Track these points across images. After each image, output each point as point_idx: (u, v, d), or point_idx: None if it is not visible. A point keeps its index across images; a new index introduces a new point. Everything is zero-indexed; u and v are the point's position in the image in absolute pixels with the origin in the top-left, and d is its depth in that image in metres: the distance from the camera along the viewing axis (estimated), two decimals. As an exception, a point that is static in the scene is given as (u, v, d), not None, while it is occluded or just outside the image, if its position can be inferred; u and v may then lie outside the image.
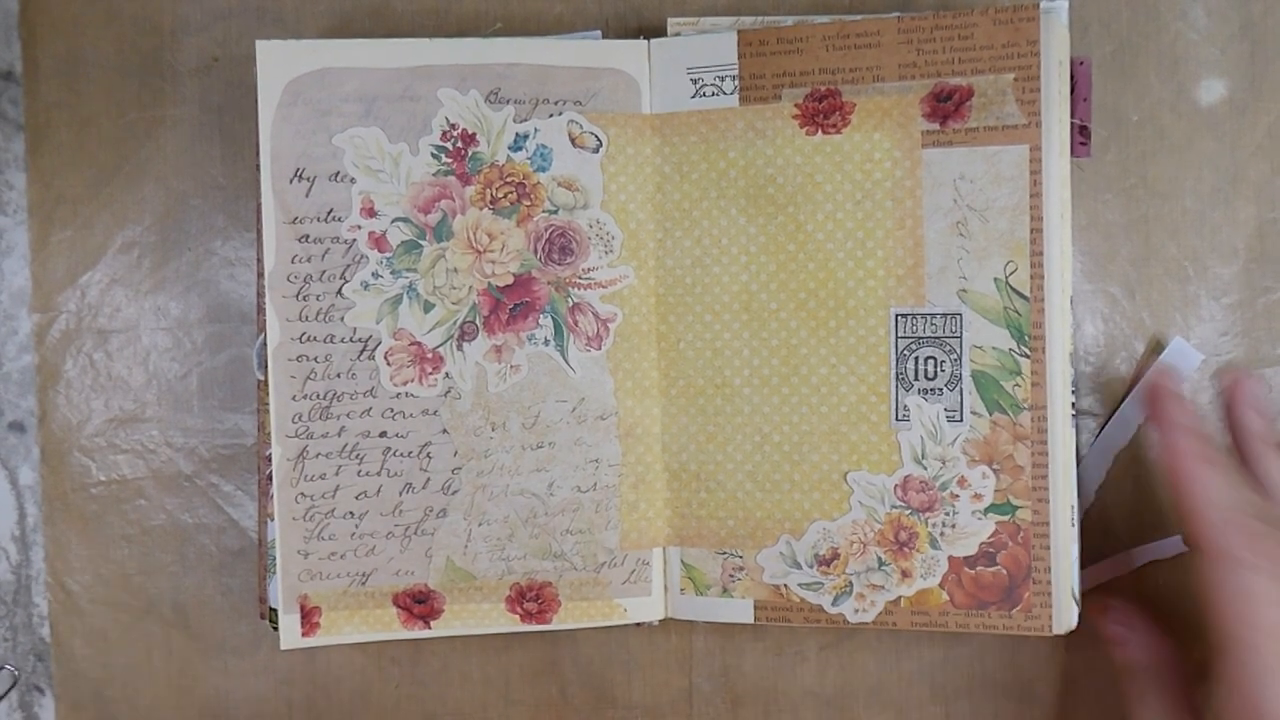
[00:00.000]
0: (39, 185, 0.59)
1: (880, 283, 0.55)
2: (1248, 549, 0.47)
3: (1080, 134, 0.57)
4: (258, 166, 0.55)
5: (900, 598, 0.55)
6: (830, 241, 0.55)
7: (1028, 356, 0.53)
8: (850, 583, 0.56)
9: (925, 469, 0.55)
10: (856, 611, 0.56)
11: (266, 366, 0.55)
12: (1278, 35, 0.57)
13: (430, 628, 0.57)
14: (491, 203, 0.56)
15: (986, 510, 0.54)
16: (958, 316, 0.54)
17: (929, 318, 0.54)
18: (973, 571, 0.55)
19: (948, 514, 0.55)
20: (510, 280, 0.56)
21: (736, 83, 0.55)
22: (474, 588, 0.57)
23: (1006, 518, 0.54)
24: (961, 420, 0.54)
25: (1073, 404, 0.54)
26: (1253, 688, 0.45)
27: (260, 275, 0.55)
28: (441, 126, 0.55)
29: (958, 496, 0.54)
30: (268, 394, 0.56)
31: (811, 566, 0.56)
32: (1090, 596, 0.57)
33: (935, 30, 0.53)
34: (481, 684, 0.60)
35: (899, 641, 0.59)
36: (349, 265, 0.55)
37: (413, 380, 0.56)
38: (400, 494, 0.56)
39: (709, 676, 0.59)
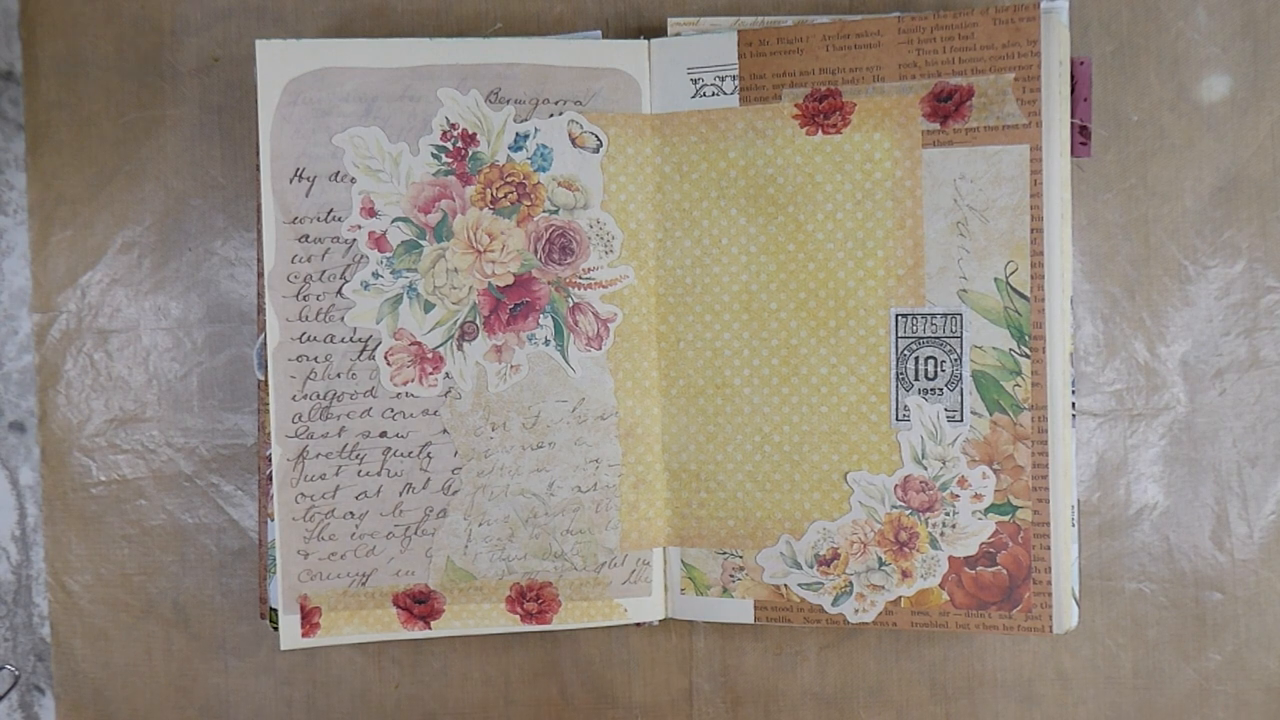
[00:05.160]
0: (39, 185, 0.59)
1: (880, 283, 0.55)
2: None
3: (1080, 134, 0.57)
4: (258, 166, 0.55)
5: (900, 598, 0.55)
6: (830, 241, 0.55)
7: (1028, 356, 0.53)
8: (850, 583, 0.56)
9: (925, 469, 0.55)
10: (856, 611, 0.56)
11: (266, 366, 0.55)
12: (1279, 34, 0.57)
13: (430, 628, 0.57)
14: (491, 203, 0.56)
15: (987, 510, 0.54)
16: (958, 316, 0.54)
17: (929, 318, 0.54)
18: (973, 571, 0.55)
19: (948, 514, 0.55)
20: (510, 280, 0.56)
21: (736, 83, 0.55)
22: (474, 588, 0.57)
23: (1006, 518, 0.54)
24: (962, 420, 0.54)
25: (1072, 404, 0.54)
26: None
27: (260, 275, 0.55)
28: (441, 126, 0.55)
29: (958, 496, 0.54)
30: (268, 394, 0.56)
31: (811, 566, 0.56)
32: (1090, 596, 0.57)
33: (935, 30, 0.53)
34: (481, 684, 0.60)
35: (899, 641, 0.59)
36: (349, 265, 0.55)
37: (413, 380, 0.56)
38: (400, 494, 0.56)
39: (709, 676, 0.59)
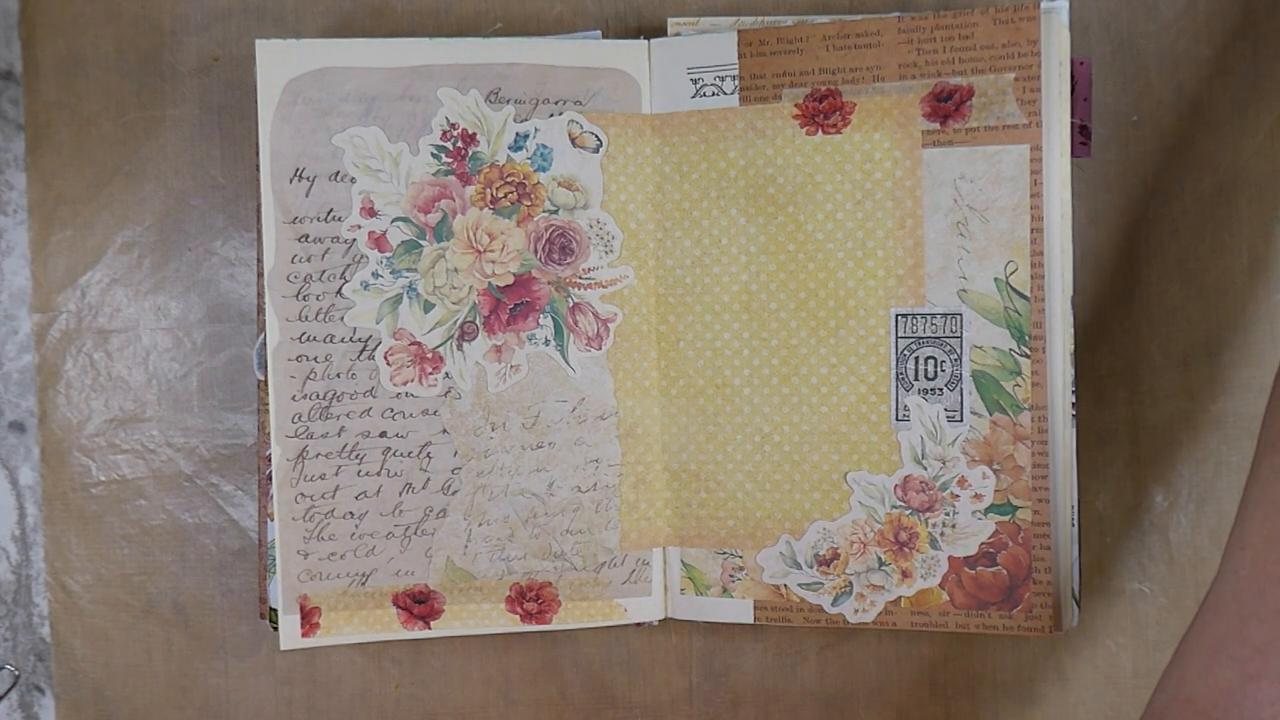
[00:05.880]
0: (39, 185, 0.59)
1: (880, 283, 0.55)
2: None
3: (1080, 134, 0.57)
4: (258, 166, 0.55)
5: (900, 598, 0.55)
6: (830, 241, 0.55)
7: (1028, 356, 0.53)
8: (850, 583, 0.56)
9: (925, 469, 0.55)
10: (856, 612, 0.56)
11: (266, 366, 0.55)
12: (1279, 34, 0.57)
13: (430, 628, 0.57)
14: (491, 202, 0.56)
15: (987, 510, 0.54)
16: (958, 316, 0.54)
17: (929, 318, 0.54)
18: (973, 571, 0.54)
19: (948, 514, 0.54)
20: (510, 280, 0.56)
21: (736, 83, 0.55)
22: (474, 588, 0.57)
23: (1007, 518, 0.54)
24: (961, 420, 0.54)
25: (1073, 404, 0.54)
26: None
27: (260, 275, 0.55)
28: (441, 126, 0.55)
29: (958, 496, 0.54)
30: (268, 394, 0.56)
31: (811, 566, 0.56)
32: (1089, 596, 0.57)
33: (935, 30, 0.53)
34: (481, 684, 0.60)
35: (899, 641, 0.59)
36: (349, 265, 0.55)
37: (413, 380, 0.56)
38: (400, 494, 0.56)
39: (709, 676, 0.59)
